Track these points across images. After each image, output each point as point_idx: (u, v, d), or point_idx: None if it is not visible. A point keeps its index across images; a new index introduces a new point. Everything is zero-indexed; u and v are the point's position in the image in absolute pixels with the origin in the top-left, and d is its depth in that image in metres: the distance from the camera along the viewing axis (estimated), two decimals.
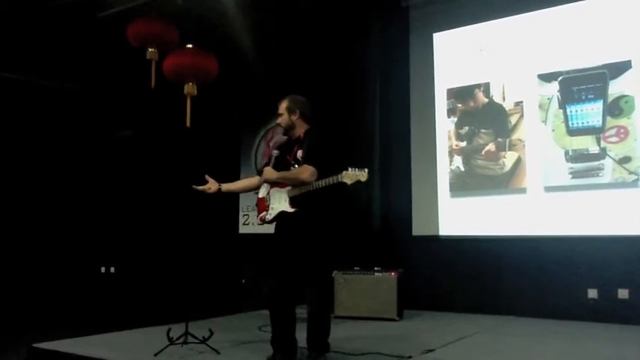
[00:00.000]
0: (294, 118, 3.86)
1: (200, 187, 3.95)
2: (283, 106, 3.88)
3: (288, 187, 3.77)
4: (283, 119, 3.88)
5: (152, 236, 7.16)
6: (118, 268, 7.34)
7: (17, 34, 6.19)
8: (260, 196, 3.98)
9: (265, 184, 3.91)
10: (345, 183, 3.51)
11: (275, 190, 3.85)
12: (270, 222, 3.85)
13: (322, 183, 3.62)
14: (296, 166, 3.77)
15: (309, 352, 3.73)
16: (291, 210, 3.75)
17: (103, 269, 7.35)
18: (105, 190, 7.39)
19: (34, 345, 4.24)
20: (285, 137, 4.02)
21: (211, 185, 3.94)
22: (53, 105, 7.03)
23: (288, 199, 3.76)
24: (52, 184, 7.08)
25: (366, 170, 3.53)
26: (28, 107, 6.84)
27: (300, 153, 3.79)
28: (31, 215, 6.87)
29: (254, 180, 4.04)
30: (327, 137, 3.91)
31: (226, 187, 4.00)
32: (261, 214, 3.93)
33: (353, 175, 3.50)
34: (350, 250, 6.36)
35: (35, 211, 6.92)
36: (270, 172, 3.80)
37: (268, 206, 3.87)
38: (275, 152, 3.89)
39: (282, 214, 3.79)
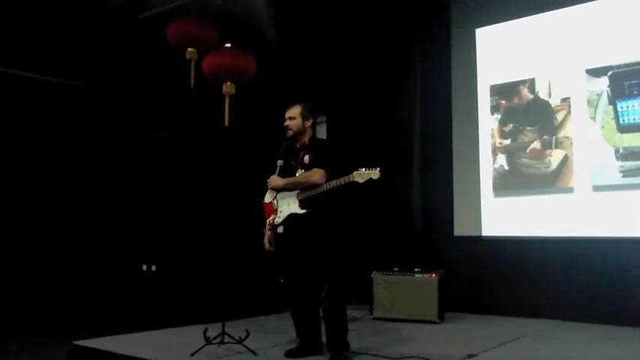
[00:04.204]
0: (307, 124, 3.97)
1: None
2: (296, 111, 3.97)
3: (297, 190, 3.86)
4: (295, 124, 3.95)
5: (193, 235, 7.21)
6: (160, 267, 7.43)
7: (61, 37, 6.32)
8: (266, 201, 4.06)
9: (270, 190, 4.01)
10: (357, 182, 3.61)
11: (283, 194, 3.94)
12: (279, 225, 3.93)
13: (333, 184, 3.72)
14: (302, 170, 3.88)
15: (329, 353, 3.79)
16: (301, 212, 3.83)
17: (144, 267, 7.45)
18: (147, 189, 7.49)
19: (75, 342, 4.30)
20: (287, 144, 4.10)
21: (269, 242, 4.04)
22: (96, 107, 7.16)
23: (297, 202, 3.85)
24: (94, 183, 7.21)
25: (378, 169, 3.61)
26: (73, 110, 6.98)
27: (307, 158, 3.90)
28: (74, 214, 7.01)
29: None
30: (334, 141, 4.02)
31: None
32: (269, 219, 3.98)
33: (365, 174, 3.61)
34: (389, 251, 6.29)
35: (78, 210, 7.06)
36: (276, 180, 3.93)
37: (276, 210, 3.95)
38: (279, 162, 3.98)
39: (291, 217, 3.86)
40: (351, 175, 3.64)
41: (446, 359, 3.77)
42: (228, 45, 5.44)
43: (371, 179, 3.60)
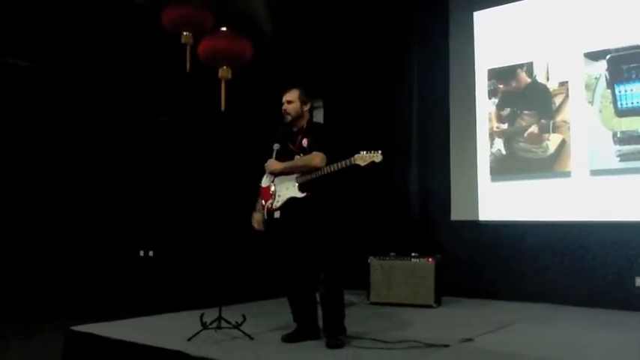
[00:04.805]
0: (305, 108, 3.93)
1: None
2: (295, 95, 3.92)
3: (296, 174, 3.82)
4: (294, 107, 3.90)
5: (190, 220, 7.21)
6: (157, 252, 7.42)
7: (52, 20, 6.23)
8: (263, 185, 4.02)
9: (268, 174, 3.97)
10: (359, 165, 3.57)
11: (281, 178, 3.90)
12: (277, 209, 3.89)
13: (334, 167, 3.68)
14: (301, 154, 3.83)
15: (325, 337, 3.79)
16: (300, 195, 3.79)
17: (141, 253, 7.43)
18: (144, 174, 7.46)
19: (72, 328, 4.30)
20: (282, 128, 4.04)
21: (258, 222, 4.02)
22: (93, 92, 7.10)
23: (296, 186, 3.81)
24: (90, 169, 7.17)
25: (380, 152, 3.56)
26: (67, 97, 6.90)
27: (305, 142, 3.85)
28: (70, 199, 6.98)
29: None
30: (333, 125, 3.99)
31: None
32: (267, 203, 3.94)
33: (367, 156, 3.57)
34: (386, 236, 6.29)
35: (75, 195, 7.02)
36: (274, 164, 3.90)
37: (274, 194, 3.89)
38: (276, 146, 3.94)
39: (291, 201, 3.83)
40: (352, 158, 3.60)
41: (442, 343, 3.77)
42: (224, 29, 5.39)
43: (373, 162, 3.57)
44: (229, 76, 5.35)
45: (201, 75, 5.48)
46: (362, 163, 3.58)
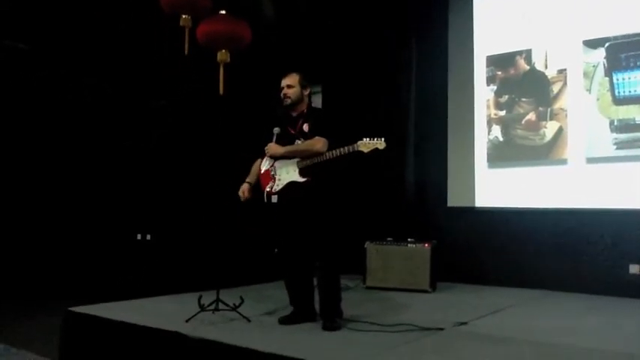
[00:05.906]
0: (305, 93, 3.92)
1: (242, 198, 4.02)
2: (295, 79, 3.90)
3: (297, 159, 3.81)
4: (294, 92, 3.89)
5: (188, 204, 7.22)
6: (155, 236, 7.44)
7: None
8: (263, 169, 3.98)
9: (268, 158, 3.95)
10: (362, 152, 3.55)
11: (282, 162, 3.88)
12: (277, 193, 3.88)
13: (336, 153, 3.66)
14: (301, 139, 3.82)
15: (322, 320, 3.81)
16: (301, 180, 3.78)
17: (139, 236, 7.45)
18: (142, 158, 7.46)
19: (70, 309, 4.33)
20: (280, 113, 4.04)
21: (244, 191, 4.02)
22: (93, 77, 7.08)
23: (297, 170, 3.80)
24: (89, 152, 7.17)
25: (383, 139, 3.55)
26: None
27: (306, 126, 3.84)
28: (69, 182, 6.99)
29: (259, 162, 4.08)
30: (334, 110, 3.97)
31: (251, 179, 4.07)
32: (266, 187, 3.92)
33: (370, 143, 3.55)
34: (383, 221, 6.32)
35: (74, 178, 7.03)
36: (275, 148, 3.87)
37: (274, 177, 3.88)
38: (276, 130, 3.90)
39: (291, 185, 3.82)
40: (355, 145, 3.59)
41: (437, 326, 3.81)
42: (223, 12, 5.37)
43: (376, 149, 3.57)
44: (228, 60, 5.33)
45: (199, 58, 5.47)
46: (365, 150, 3.57)
